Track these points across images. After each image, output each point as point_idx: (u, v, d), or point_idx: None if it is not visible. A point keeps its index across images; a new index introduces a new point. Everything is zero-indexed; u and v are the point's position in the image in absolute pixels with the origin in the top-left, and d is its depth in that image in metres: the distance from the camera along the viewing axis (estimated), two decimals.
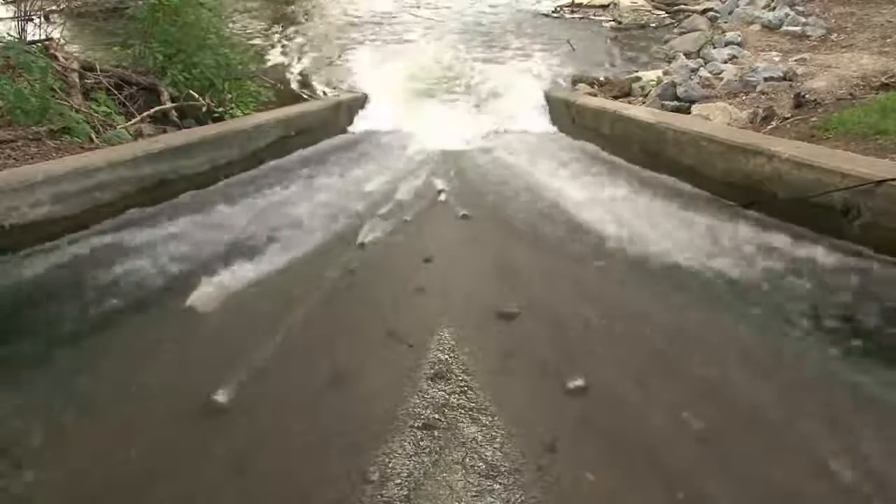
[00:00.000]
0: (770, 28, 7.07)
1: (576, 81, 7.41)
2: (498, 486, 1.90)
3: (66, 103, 4.45)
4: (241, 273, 3.13)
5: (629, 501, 1.91)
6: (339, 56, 9.18)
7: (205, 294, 2.93)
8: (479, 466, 1.97)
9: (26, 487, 1.93)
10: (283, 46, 9.68)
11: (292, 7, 12.20)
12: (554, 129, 6.30)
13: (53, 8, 7.97)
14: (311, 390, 2.37)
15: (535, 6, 11.47)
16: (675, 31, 8.90)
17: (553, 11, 11.04)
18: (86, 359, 2.54)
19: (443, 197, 4.30)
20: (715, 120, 4.84)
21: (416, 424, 2.15)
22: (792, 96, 4.89)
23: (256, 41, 9.70)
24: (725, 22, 8.09)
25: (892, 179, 2.87)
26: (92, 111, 4.61)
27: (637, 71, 7.21)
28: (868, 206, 2.98)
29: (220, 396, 2.27)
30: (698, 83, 5.81)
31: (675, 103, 5.60)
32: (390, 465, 1.98)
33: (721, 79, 5.83)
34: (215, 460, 2.04)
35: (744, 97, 5.29)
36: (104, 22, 8.02)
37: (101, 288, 2.98)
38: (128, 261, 3.21)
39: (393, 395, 2.30)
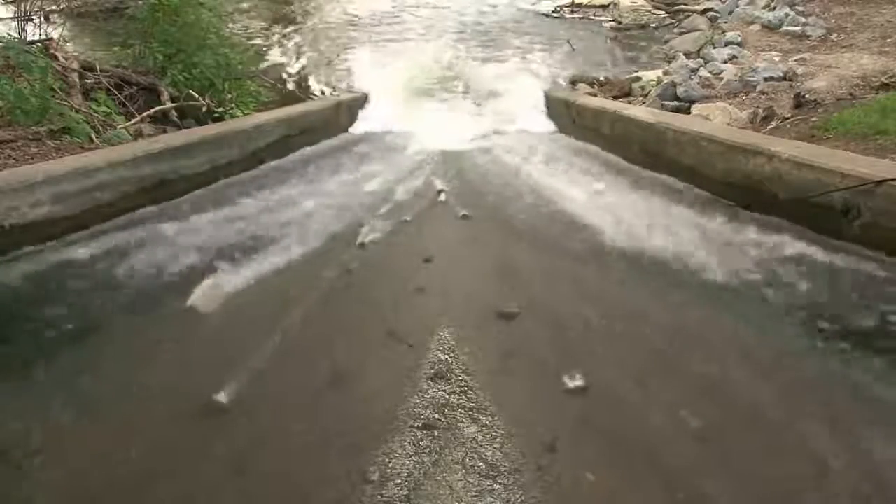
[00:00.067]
0: (770, 28, 7.08)
1: (575, 81, 7.41)
2: (498, 486, 1.90)
3: (66, 103, 4.45)
4: (241, 274, 3.13)
5: (629, 501, 1.91)
6: (339, 56, 9.18)
7: (204, 295, 2.93)
8: (479, 466, 1.97)
9: (26, 487, 1.93)
10: (282, 46, 9.68)
11: (292, 7, 12.20)
12: (554, 129, 6.30)
13: (53, 8, 7.98)
14: (311, 390, 2.37)
15: (534, 6, 11.47)
16: (675, 31, 8.90)
17: (553, 11, 11.04)
18: (86, 358, 2.54)
19: (443, 197, 4.30)
20: (715, 120, 4.84)
21: (416, 424, 2.15)
22: (792, 96, 4.89)
23: (256, 41, 9.70)
24: (725, 22, 8.10)
25: (892, 179, 2.87)
26: (92, 111, 4.62)
27: (637, 71, 7.21)
28: (868, 206, 2.98)
29: (221, 396, 2.27)
30: (698, 83, 5.81)
31: (675, 103, 5.60)
32: (390, 465, 1.98)
33: (721, 79, 5.83)
34: (215, 460, 2.04)
35: (744, 97, 5.29)
36: (104, 22, 8.03)
37: (100, 288, 2.99)
38: (126, 261, 3.22)
39: (393, 395, 2.30)
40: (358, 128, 6.49)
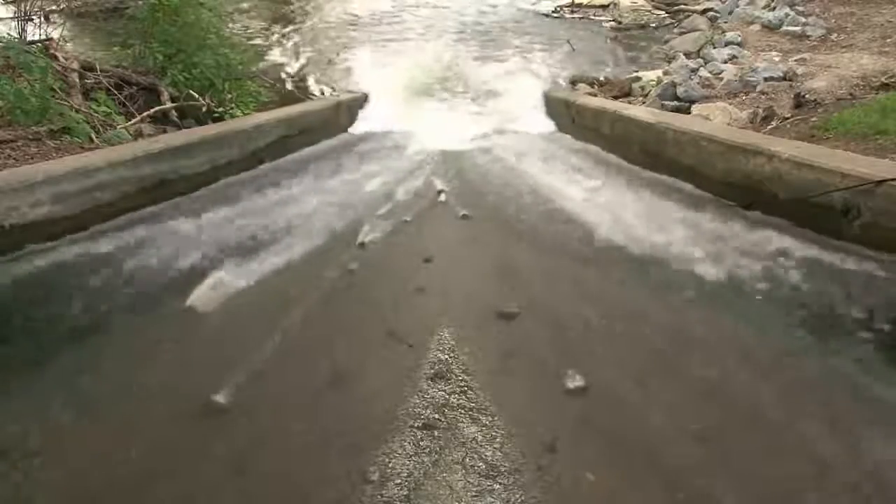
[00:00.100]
0: (770, 28, 7.07)
1: (575, 81, 7.40)
2: (498, 486, 1.90)
3: (66, 103, 4.45)
4: (241, 274, 3.13)
5: (629, 501, 1.91)
6: (339, 55, 9.18)
7: (204, 294, 2.93)
8: (479, 466, 1.98)
9: (27, 487, 1.93)
10: (282, 46, 9.68)
11: (291, 7, 12.20)
12: (554, 129, 6.29)
13: (53, 8, 7.98)
14: (312, 390, 2.37)
15: (534, 6, 11.47)
16: (675, 31, 8.90)
17: (553, 11, 11.04)
18: (86, 358, 2.54)
19: (443, 197, 4.30)
20: (715, 120, 4.84)
21: (416, 424, 2.15)
22: (792, 96, 4.89)
23: (256, 41, 9.70)
24: (725, 22, 8.09)
25: (892, 179, 2.87)
26: (92, 111, 4.61)
27: (637, 71, 7.21)
28: (868, 206, 2.98)
29: (220, 396, 2.27)
30: (698, 83, 5.81)
31: (675, 103, 5.60)
32: (390, 465, 1.98)
33: (721, 79, 5.83)
34: (215, 460, 2.04)
35: (744, 97, 5.29)
36: (104, 22, 8.03)
37: (100, 287, 2.99)
38: (126, 261, 3.22)
39: (393, 395, 2.30)
40: (358, 128, 6.48)
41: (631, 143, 4.76)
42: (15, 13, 6.15)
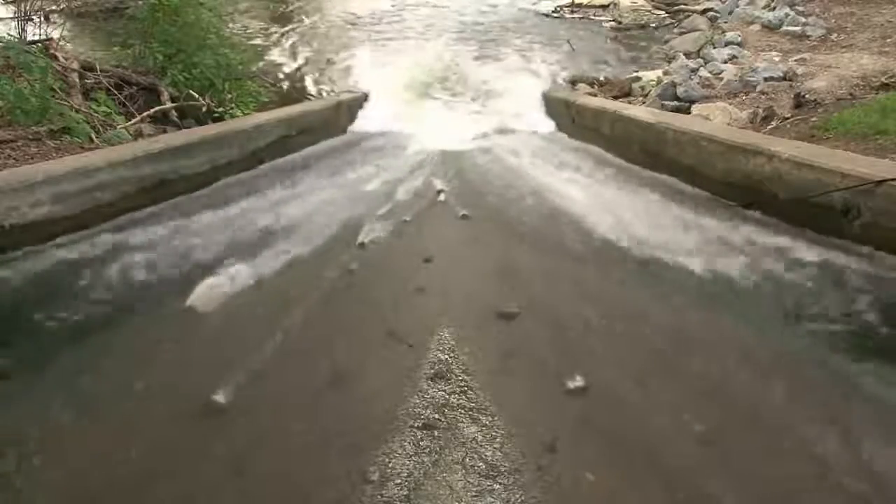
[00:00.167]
0: (770, 28, 7.07)
1: (575, 81, 7.40)
2: (498, 486, 1.90)
3: (66, 103, 4.45)
4: (240, 275, 3.12)
5: (629, 501, 1.91)
6: (339, 55, 9.18)
7: (204, 294, 2.93)
8: (479, 466, 1.98)
9: (27, 487, 1.93)
10: (282, 46, 9.68)
11: (291, 6, 12.20)
12: (554, 128, 6.30)
13: (53, 8, 7.99)
14: (311, 390, 2.37)
15: (534, 6, 11.46)
16: (675, 31, 8.89)
17: (553, 11, 11.03)
18: (86, 358, 2.54)
19: (442, 197, 4.30)
20: (715, 120, 4.84)
21: (416, 424, 2.15)
22: (792, 96, 4.89)
23: (256, 41, 9.70)
24: (725, 22, 8.09)
25: (892, 179, 2.87)
26: (92, 111, 4.61)
27: (637, 71, 7.20)
28: (868, 206, 2.98)
29: (220, 396, 2.27)
30: (698, 83, 5.81)
31: (675, 103, 5.60)
32: (390, 465, 1.98)
33: (721, 79, 5.83)
34: (215, 460, 2.04)
35: (744, 97, 5.29)
36: (104, 22, 8.03)
37: (100, 288, 2.99)
38: (126, 261, 3.22)
39: (393, 395, 2.30)
40: (358, 127, 6.48)
41: (631, 143, 4.76)
42: (15, 13, 6.15)
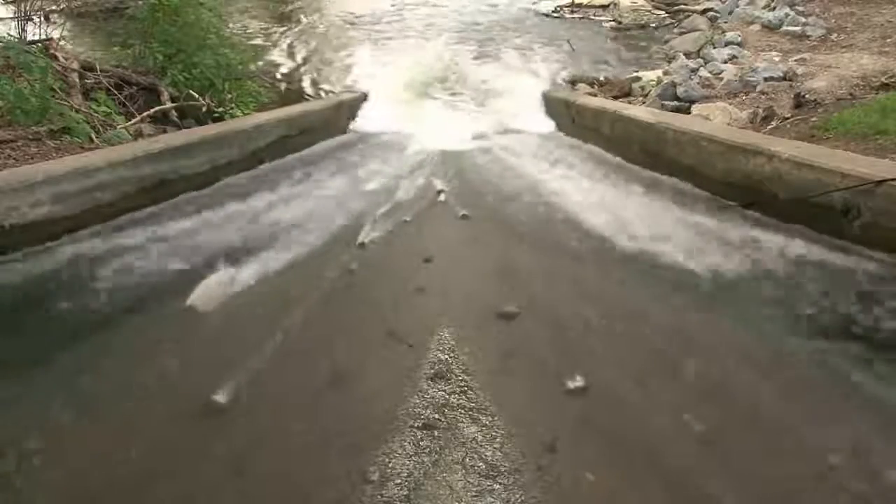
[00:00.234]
0: (770, 28, 7.07)
1: (575, 81, 7.40)
2: (498, 486, 1.90)
3: (66, 103, 4.45)
4: (241, 273, 3.13)
5: (629, 501, 1.91)
6: (339, 55, 9.19)
7: (204, 294, 2.93)
8: (479, 466, 1.98)
9: (27, 487, 1.93)
10: (282, 46, 9.68)
11: (291, 6, 12.20)
12: (553, 128, 6.30)
13: (53, 8, 7.98)
14: (312, 390, 2.37)
15: (534, 5, 11.46)
16: (675, 31, 8.90)
17: (553, 11, 11.03)
18: (86, 358, 2.54)
19: (442, 197, 4.30)
20: (715, 120, 4.84)
21: (416, 424, 2.15)
22: (792, 96, 4.89)
23: (256, 41, 9.70)
24: (725, 22, 8.09)
25: (892, 179, 2.87)
26: (92, 111, 4.61)
27: (637, 71, 7.21)
28: (868, 206, 2.98)
29: (220, 396, 2.27)
30: (698, 83, 5.81)
31: (675, 103, 5.60)
32: (390, 465, 1.98)
33: (721, 79, 5.83)
34: (215, 460, 2.04)
35: (744, 97, 5.29)
36: (104, 22, 8.04)
37: (100, 288, 2.99)
38: (126, 261, 3.22)
39: (393, 395, 2.30)
40: (358, 127, 6.49)
41: (631, 143, 4.76)
42: (15, 13, 6.15)
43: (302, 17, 11.51)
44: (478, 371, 2.44)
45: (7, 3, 7.86)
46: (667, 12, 10.01)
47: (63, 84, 4.77)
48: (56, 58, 5.14)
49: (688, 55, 6.97)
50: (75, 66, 5.23)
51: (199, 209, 3.88)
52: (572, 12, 10.90)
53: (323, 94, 7.73)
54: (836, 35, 6.51)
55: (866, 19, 6.72)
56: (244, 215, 3.86)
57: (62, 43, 5.82)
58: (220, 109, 5.73)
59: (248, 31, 10.28)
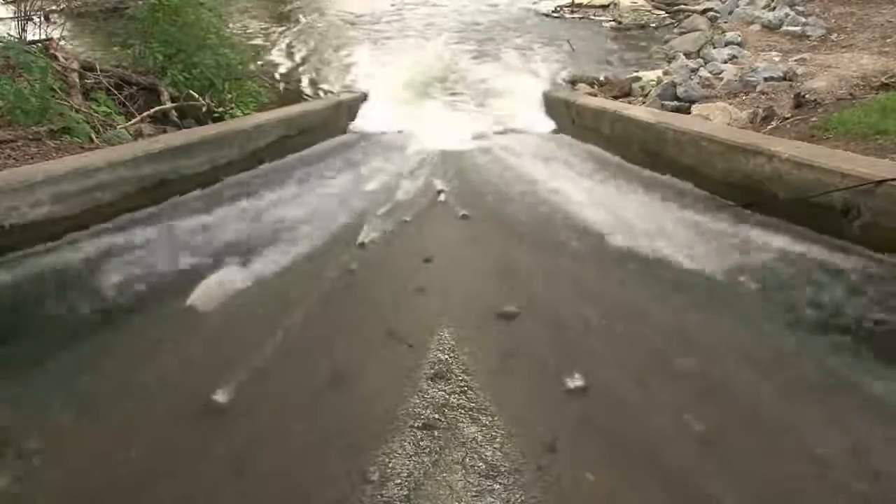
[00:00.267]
0: (770, 28, 7.07)
1: (575, 81, 7.40)
2: (498, 486, 1.91)
3: (66, 103, 4.45)
4: (241, 273, 3.13)
5: (629, 501, 1.91)
6: (339, 55, 9.19)
7: (204, 294, 2.93)
8: (479, 466, 1.98)
9: (27, 487, 1.93)
10: (282, 46, 9.68)
11: (291, 6, 12.20)
12: (553, 128, 6.30)
13: (53, 8, 7.99)
14: (311, 390, 2.37)
15: (534, 5, 11.46)
16: (675, 31, 8.90)
17: (553, 11, 11.03)
18: (86, 358, 2.54)
19: (442, 197, 4.30)
20: (715, 120, 4.84)
21: (416, 424, 2.15)
22: (792, 96, 4.89)
23: (256, 41, 9.70)
24: (725, 22, 8.10)
25: (892, 179, 2.87)
26: (92, 111, 4.61)
27: (637, 71, 7.21)
28: (868, 206, 2.98)
29: (220, 396, 2.27)
30: (698, 83, 5.81)
31: (675, 103, 5.60)
32: (390, 465, 1.98)
33: (721, 79, 5.83)
34: (215, 460, 2.04)
35: (744, 97, 5.29)
36: (104, 22, 8.04)
37: (100, 288, 2.99)
38: (126, 261, 3.22)
39: (393, 395, 2.30)
40: (358, 127, 6.49)
41: (631, 143, 4.76)
42: (15, 13, 6.15)
43: (301, 16, 11.51)
44: (478, 371, 2.44)
45: (7, 3, 7.86)
46: (667, 12, 10.01)
47: (63, 84, 4.77)
48: (56, 58, 5.14)
49: (688, 55, 6.97)
50: (75, 66, 5.23)
51: (199, 209, 3.88)
52: (572, 12, 10.90)
53: (322, 93, 7.73)
54: (836, 35, 6.51)
55: (866, 19, 6.72)
56: (244, 215, 3.86)
57: (62, 43, 5.82)
58: (220, 109, 5.73)
59: (247, 30, 10.28)
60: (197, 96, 5.61)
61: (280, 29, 10.59)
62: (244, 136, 4.70)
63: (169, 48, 5.73)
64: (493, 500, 1.86)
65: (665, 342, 2.61)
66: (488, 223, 3.95)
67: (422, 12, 11.60)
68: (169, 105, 5.41)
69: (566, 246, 3.52)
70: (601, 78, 7.42)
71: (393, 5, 12.04)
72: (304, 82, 8.15)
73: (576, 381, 2.34)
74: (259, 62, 8.05)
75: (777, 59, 6.11)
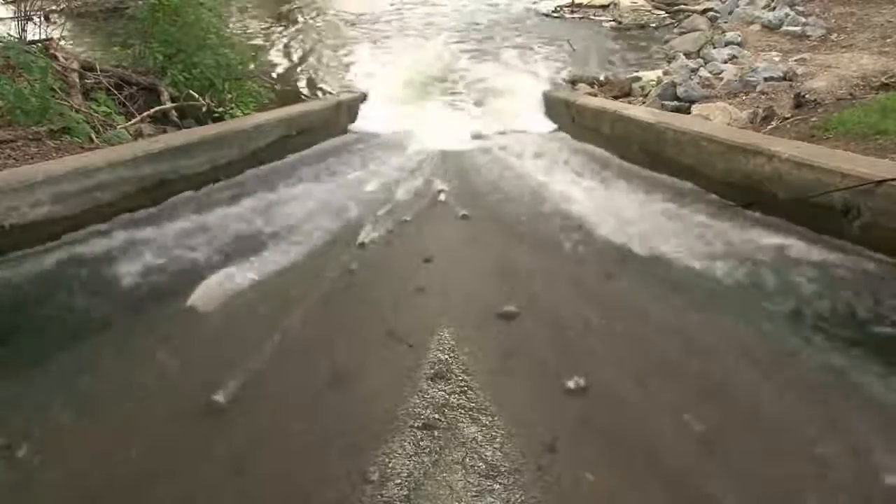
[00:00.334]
0: (770, 28, 7.07)
1: (575, 81, 7.40)
2: (498, 486, 1.91)
3: (66, 103, 4.45)
4: (241, 273, 3.13)
5: (629, 501, 1.91)
6: (338, 54, 9.18)
7: (204, 294, 2.93)
8: (479, 466, 1.98)
9: (27, 486, 1.93)
10: (282, 45, 9.68)
11: (290, 6, 12.19)
12: (553, 128, 6.29)
13: (53, 8, 7.99)
14: (311, 390, 2.38)
15: (534, 5, 11.46)
16: (675, 31, 8.89)
17: (553, 11, 11.02)
18: (86, 358, 2.54)
19: (442, 197, 4.30)
20: (715, 120, 4.83)
21: (416, 424, 2.15)
22: (792, 96, 4.89)
23: (256, 41, 9.70)
24: (725, 22, 8.09)
25: (892, 179, 2.87)
26: (92, 111, 4.61)
27: (637, 71, 7.20)
28: (868, 206, 2.98)
29: (220, 396, 2.27)
30: (698, 83, 5.80)
31: (675, 103, 5.60)
32: (390, 465, 1.98)
33: (721, 79, 5.83)
34: (215, 460, 2.04)
35: (744, 97, 5.29)
36: (104, 22, 8.03)
37: (100, 288, 2.99)
38: (126, 261, 3.22)
39: (393, 395, 2.30)
40: (358, 127, 6.48)
41: (631, 143, 4.76)
42: (15, 13, 6.15)
43: (301, 16, 11.50)
44: (478, 371, 2.44)
45: (7, 3, 7.86)
46: (667, 12, 10.01)
47: (63, 84, 4.77)
48: (56, 58, 5.14)
49: (688, 55, 6.96)
50: (75, 66, 5.23)
51: (198, 210, 3.88)
52: (572, 12, 10.90)
53: (322, 93, 7.73)
54: (836, 35, 6.51)
55: (866, 19, 6.72)
56: (244, 216, 3.86)
57: (62, 43, 5.82)
58: (220, 109, 5.73)
59: (247, 30, 10.28)
60: (197, 96, 5.60)
61: (280, 29, 10.59)
62: (244, 136, 4.70)
63: (169, 48, 5.73)
64: (493, 500, 1.86)
65: (665, 342, 2.62)
66: (488, 223, 3.95)
67: (421, 11, 11.60)
68: (169, 105, 5.41)
69: (566, 246, 3.52)
70: (601, 78, 7.41)
71: (392, 5, 12.03)
72: (304, 82, 8.14)
73: (576, 381, 2.34)
74: (259, 62, 8.05)
75: (777, 59, 6.11)
